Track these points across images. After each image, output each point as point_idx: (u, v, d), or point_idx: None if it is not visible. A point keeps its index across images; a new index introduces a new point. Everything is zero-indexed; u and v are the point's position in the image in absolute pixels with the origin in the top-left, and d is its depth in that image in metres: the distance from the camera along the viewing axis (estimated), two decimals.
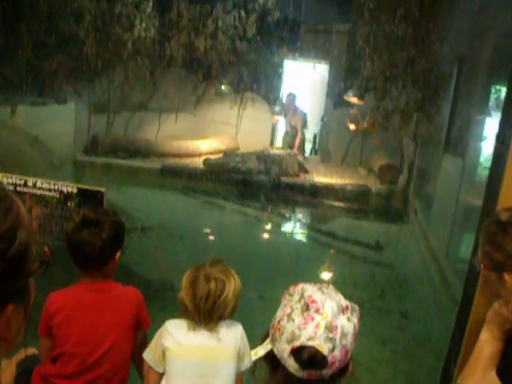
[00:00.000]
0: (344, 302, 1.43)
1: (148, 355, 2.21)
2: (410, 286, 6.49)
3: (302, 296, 1.44)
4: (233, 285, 2.16)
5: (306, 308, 1.40)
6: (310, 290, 1.46)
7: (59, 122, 9.54)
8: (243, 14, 10.86)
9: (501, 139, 2.20)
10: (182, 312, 2.20)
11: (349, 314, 1.42)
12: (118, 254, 2.31)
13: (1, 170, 3.07)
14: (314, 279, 1.55)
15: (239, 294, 2.18)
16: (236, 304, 2.18)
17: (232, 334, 2.17)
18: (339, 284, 5.57)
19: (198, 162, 10.50)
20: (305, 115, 11.40)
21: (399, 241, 8.94)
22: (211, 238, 7.37)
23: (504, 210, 1.82)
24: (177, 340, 2.14)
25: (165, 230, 7.36)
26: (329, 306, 1.39)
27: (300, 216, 9.55)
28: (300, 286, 1.49)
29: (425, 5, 8.86)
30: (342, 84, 11.52)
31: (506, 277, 1.72)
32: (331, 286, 1.50)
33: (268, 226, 8.64)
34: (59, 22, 9.71)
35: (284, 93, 11.95)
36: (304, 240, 8.28)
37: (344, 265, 6.81)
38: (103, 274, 2.30)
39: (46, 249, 0.89)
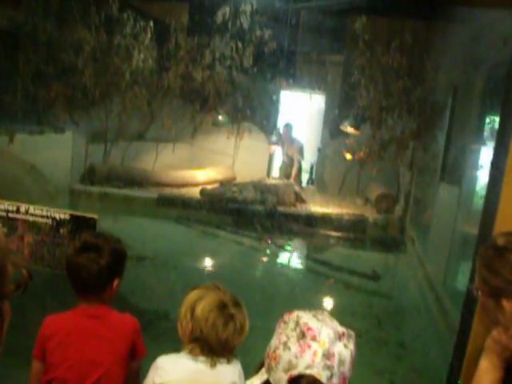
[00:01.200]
0: (340, 329, 1.41)
1: None
2: (407, 315, 6.43)
3: (297, 323, 1.42)
4: (247, 322, 2.09)
5: (302, 336, 1.38)
6: (305, 317, 1.44)
7: (56, 150, 9.57)
8: (240, 45, 11.01)
9: (495, 166, 2.21)
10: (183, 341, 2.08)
11: (345, 340, 1.39)
12: (117, 282, 2.27)
13: None
14: (311, 309, 1.52)
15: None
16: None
17: (231, 371, 2.05)
18: (337, 314, 5.51)
19: (195, 192, 10.49)
20: (302, 145, 11.46)
21: (396, 270, 8.89)
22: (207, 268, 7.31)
23: (500, 235, 1.80)
24: (171, 378, 2.02)
25: (160, 260, 7.31)
26: (325, 333, 1.37)
27: (296, 245, 9.51)
28: (295, 313, 1.47)
29: (419, 35, 9.01)
30: (339, 114, 11.61)
31: (505, 303, 1.68)
32: (326, 313, 1.48)
33: (264, 256, 8.59)
34: (58, 52, 9.84)
35: (281, 123, 12.04)
36: (300, 269, 8.22)
37: (341, 294, 6.76)
38: (100, 300, 2.26)
39: (24, 272, 0.87)
